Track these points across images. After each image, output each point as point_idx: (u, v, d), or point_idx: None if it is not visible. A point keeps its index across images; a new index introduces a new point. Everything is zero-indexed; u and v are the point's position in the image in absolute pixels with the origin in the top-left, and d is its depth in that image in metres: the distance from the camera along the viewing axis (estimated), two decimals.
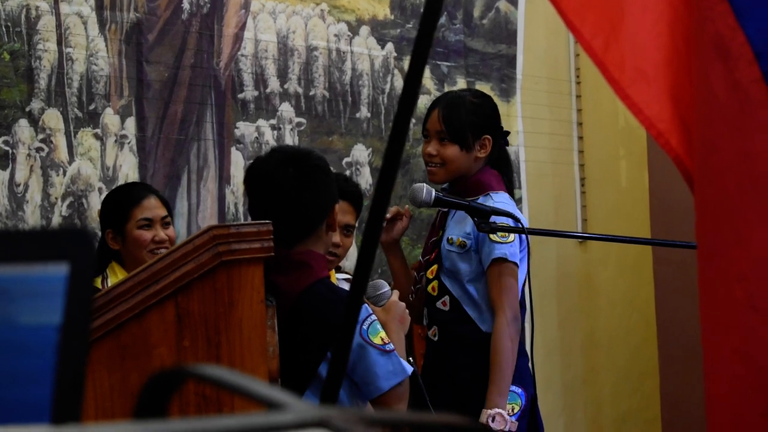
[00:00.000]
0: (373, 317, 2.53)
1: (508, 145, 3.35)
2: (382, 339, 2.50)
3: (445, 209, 3.25)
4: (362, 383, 2.51)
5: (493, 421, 3.05)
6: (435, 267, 3.21)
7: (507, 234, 3.10)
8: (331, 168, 2.79)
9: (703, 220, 1.59)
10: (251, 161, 2.80)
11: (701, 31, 1.58)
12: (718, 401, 1.56)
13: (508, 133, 3.33)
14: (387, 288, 2.71)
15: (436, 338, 3.22)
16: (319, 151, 4.01)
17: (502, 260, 3.12)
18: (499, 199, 3.19)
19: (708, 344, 1.58)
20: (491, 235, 3.07)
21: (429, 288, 3.22)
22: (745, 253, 1.52)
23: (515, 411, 3.13)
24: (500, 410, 3.07)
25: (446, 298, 3.19)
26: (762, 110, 1.51)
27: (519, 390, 3.16)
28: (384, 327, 2.55)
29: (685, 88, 1.65)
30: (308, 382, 2.50)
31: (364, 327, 2.48)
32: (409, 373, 2.54)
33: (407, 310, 2.71)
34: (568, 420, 5.01)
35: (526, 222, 3.18)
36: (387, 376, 2.50)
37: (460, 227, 3.18)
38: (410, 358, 2.71)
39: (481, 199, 3.16)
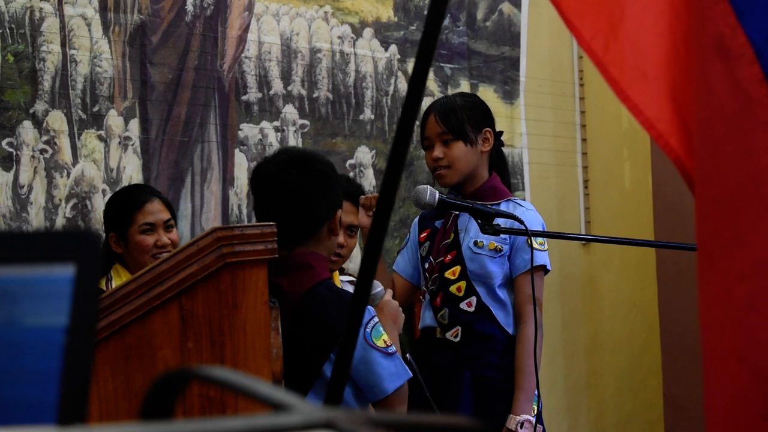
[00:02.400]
0: (376, 319, 2.53)
1: (503, 146, 3.37)
2: (385, 342, 2.51)
3: (456, 212, 3.26)
4: (366, 386, 2.51)
5: (521, 427, 3.07)
6: (458, 268, 3.23)
7: (544, 242, 3.16)
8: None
9: (704, 221, 1.59)
10: (258, 161, 2.80)
11: (701, 30, 1.58)
12: (717, 403, 1.56)
13: (501, 132, 3.35)
14: (380, 288, 2.73)
15: (457, 339, 3.22)
16: (323, 153, 4.02)
17: (541, 268, 3.18)
18: (529, 207, 3.26)
19: (707, 345, 1.58)
20: (531, 242, 3.10)
21: (453, 289, 3.23)
22: (746, 253, 1.51)
23: (535, 412, 3.15)
24: (529, 416, 3.09)
25: (473, 299, 3.21)
26: (762, 110, 1.51)
27: (535, 391, 3.18)
28: None
29: (685, 89, 1.65)
30: (311, 384, 2.50)
31: (368, 330, 2.48)
32: (411, 375, 2.55)
33: (400, 309, 2.72)
34: (571, 422, 5.01)
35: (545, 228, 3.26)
36: (391, 378, 2.51)
37: None
38: (407, 355, 2.72)
39: (503, 205, 3.20)
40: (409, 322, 4.02)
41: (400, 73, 4.39)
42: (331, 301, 2.52)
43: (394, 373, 2.51)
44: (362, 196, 3.22)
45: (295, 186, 2.56)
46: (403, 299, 3.39)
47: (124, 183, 3.54)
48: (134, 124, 3.64)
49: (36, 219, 3.41)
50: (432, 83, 4.48)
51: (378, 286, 2.72)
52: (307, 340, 2.51)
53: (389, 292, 2.75)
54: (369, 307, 2.54)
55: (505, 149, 3.44)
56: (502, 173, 3.34)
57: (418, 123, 3.37)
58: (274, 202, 2.58)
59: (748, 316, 1.51)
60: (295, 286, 2.54)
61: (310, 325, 2.52)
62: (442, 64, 4.54)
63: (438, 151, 3.23)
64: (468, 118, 3.23)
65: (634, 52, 1.68)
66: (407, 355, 2.72)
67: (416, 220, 3.46)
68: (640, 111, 1.67)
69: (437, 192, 3.07)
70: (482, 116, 3.28)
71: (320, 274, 2.57)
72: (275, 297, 2.42)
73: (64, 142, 3.48)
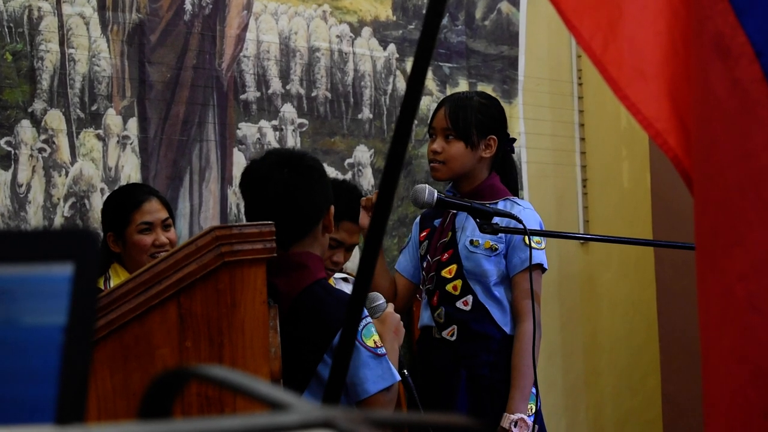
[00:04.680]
0: (369, 320, 2.54)
1: (513, 153, 3.37)
2: (375, 342, 2.51)
3: (454, 211, 3.26)
4: (350, 384, 2.51)
5: (515, 426, 3.07)
6: (454, 267, 3.23)
7: (541, 240, 3.17)
8: (334, 171, 2.79)
9: (703, 220, 1.59)
10: (247, 164, 2.80)
11: (700, 29, 1.58)
12: (716, 402, 1.56)
13: (514, 140, 3.36)
14: (382, 300, 2.73)
15: (453, 338, 3.22)
16: (321, 153, 4.02)
17: (539, 267, 3.18)
18: (527, 206, 3.26)
19: (707, 344, 1.58)
20: (528, 241, 3.09)
21: (449, 287, 3.23)
22: (746, 252, 1.51)
23: (532, 411, 3.15)
24: (523, 415, 3.09)
25: (469, 297, 3.21)
26: (762, 109, 1.51)
27: (534, 390, 3.18)
28: (379, 337, 2.55)
29: (684, 88, 1.65)
30: (306, 383, 2.50)
31: (359, 328, 2.48)
32: (398, 379, 2.54)
33: (401, 322, 2.73)
34: (570, 421, 5.01)
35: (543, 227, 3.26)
36: (375, 379, 2.50)
37: None
38: (405, 371, 2.71)
39: (500, 204, 3.20)
40: (407, 321, 4.02)
41: (398, 72, 4.39)
42: (326, 300, 2.53)
43: (379, 375, 2.50)
44: (363, 198, 3.22)
45: (288, 185, 2.57)
46: (405, 298, 3.39)
47: (123, 182, 3.54)
48: (133, 123, 3.64)
49: (34, 218, 3.41)
50: (430, 82, 4.48)
51: (380, 299, 2.72)
52: (302, 340, 2.51)
53: (391, 305, 2.75)
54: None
55: None
56: (508, 177, 3.34)
57: (416, 122, 3.37)
58: (267, 203, 2.58)
59: (748, 315, 1.51)
60: (290, 285, 2.54)
61: (305, 324, 2.52)
62: (441, 63, 4.54)
63: (437, 145, 3.24)
64: (476, 122, 3.23)
65: (633, 51, 1.68)
66: (404, 371, 2.71)
67: (417, 219, 3.47)
68: (638, 110, 1.68)
69: (436, 191, 3.07)
70: (492, 122, 3.27)
71: (315, 273, 2.57)
72: (270, 297, 2.42)
73: (63, 141, 3.47)
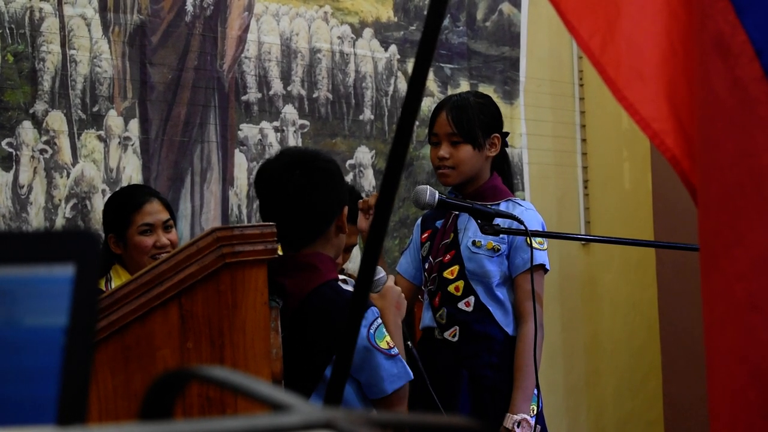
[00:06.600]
0: (380, 321, 2.53)
1: (507, 146, 3.37)
2: (388, 343, 2.52)
3: (456, 212, 3.26)
4: (366, 385, 2.53)
5: (518, 426, 3.08)
6: (456, 267, 3.23)
7: (543, 241, 3.17)
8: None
9: (705, 219, 1.59)
10: (261, 163, 2.80)
11: (701, 28, 1.58)
12: (719, 402, 1.56)
13: (507, 134, 3.36)
14: (383, 274, 2.71)
15: (455, 338, 3.22)
16: None
17: (541, 267, 3.18)
18: (529, 206, 3.25)
19: (710, 345, 1.58)
20: (530, 242, 3.09)
21: (452, 288, 3.23)
22: (746, 252, 1.51)
23: (535, 412, 3.15)
24: (525, 415, 3.09)
25: (471, 298, 3.21)
26: (762, 108, 1.51)
27: (535, 391, 3.18)
28: (380, 313, 2.56)
29: (682, 88, 1.65)
30: (315, 385, 2.50)
31: (371, 331, 2.48)
32: (411, 377, 2.55)
33: (402, 295, 2.72)
34: (571, 422, 5.01)
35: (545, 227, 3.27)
36: (391, 379, 2.52)
37: None
38: (408, 343, 2.72)
39: (502, 205, 3.20)
40: (408, 323, 4.02)
41: (399, 74, 4.39)
42: (335, 301, 2.51)
43: (394, 375, 2.52)
44: (360, 200, 3.21)
45: (298, 186, 2.55)
46: (407, 301, 3.39)
47: (124, 183, 3.54)
48: (134, 125, 3.64)
49: (36, 219, 3.41)
50: (432, 83, 4.48)
51: (380, 272, 2.70)
52: (311, 341, 2.51)
53: (392, 278, 2.74)
54: (373, 308, 2.54)
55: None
56: (505, 174, 3.34)
57: (418, 123, 3.37)
58: (278, 204, 2.58)
59: (748, 315, 1.51)
60: (298, 286, 2.53)
61: (314, 326, 2.51)
62: (442, 65, 4.54)
63: (444, 151, 3.22)
64: (480, 123, 3.23)
65: (630, 52, 1.68)
66: (408, 342, 2.73)
67: (419, 221, 3.46)
68: (636, 110, 1.68)
69: (437, 192, 3.06)
70: (493, 120, 3.27)
71: (325, 274, 2.56)
72: (279, 297, 2.42)
73: (64, 143, 3.48)
